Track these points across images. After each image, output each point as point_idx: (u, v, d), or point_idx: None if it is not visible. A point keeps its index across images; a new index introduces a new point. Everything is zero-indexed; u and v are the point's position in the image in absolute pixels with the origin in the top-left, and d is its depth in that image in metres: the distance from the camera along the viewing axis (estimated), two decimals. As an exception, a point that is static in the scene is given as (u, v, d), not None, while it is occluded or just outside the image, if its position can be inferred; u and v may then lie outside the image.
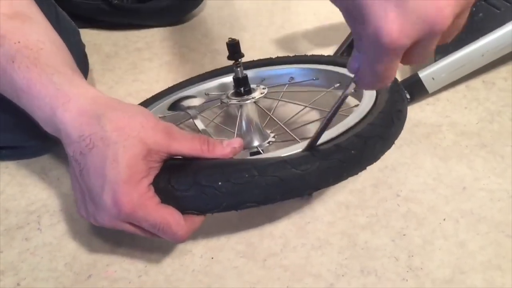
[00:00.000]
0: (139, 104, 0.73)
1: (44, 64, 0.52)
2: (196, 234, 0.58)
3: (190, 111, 0.69)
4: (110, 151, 0.47)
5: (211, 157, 0.51)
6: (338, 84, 0.70)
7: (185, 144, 0.50)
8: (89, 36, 1.00)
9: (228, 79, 0.73)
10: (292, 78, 0.74)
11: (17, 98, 0.53)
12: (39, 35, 0.54)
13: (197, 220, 0.51)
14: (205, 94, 0.74)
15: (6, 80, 0.52)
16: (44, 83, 0.51)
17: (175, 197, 0.49)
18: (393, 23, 0.33)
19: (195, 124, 0.66)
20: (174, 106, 0.72)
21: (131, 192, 0.47)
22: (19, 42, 0.53)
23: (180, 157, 0.51)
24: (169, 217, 0.48)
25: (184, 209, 0.49)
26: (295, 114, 0.71)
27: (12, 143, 0.69)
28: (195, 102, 0.72)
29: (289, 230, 0.57)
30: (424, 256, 0.53)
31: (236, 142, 0.52)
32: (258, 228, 0.58)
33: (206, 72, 0.80)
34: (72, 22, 0.78)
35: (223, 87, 0.74)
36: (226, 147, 0.51)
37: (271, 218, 0.59)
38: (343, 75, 0.68)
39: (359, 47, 0.38)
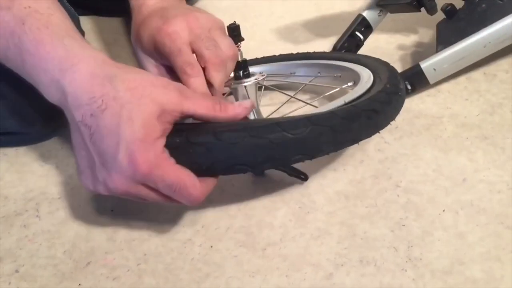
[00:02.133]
0: None
1: (55, 26, 0.51)
2: (195, 223, 0.58)
3: None
4: (124, 110, 0.46)
5: (224, 116, 0.51)
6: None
7: (198, 103, 0.49)
8: (89, 23, 0.99)
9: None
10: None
11: (21, 62, 0.51)
12: (49, 3, 0.53)
13: (211, 182, 0.51)
14: None
15: (12, 43, 0.51)
16: (55, 44, 0.49)
17: (192, 155, 0.49)
18: None
19: None
20: None
21: (148, 151, 0.46)
22: (29, 6, 0.51)
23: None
24: (185, 177, 0.48)
25: (201, 167, 0.49)
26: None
27: (10, 129, 0.69)
28: None
29: (289, 220, 0.57)
30: (423, 247, 0.53)
31: (247, 102, 0.52)
32: (258, 218, 0.58)
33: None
34: (71, 9, 0.77)
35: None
36: (238, 107, 0.51)
37: (271, 208, 0.59)
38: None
39: None
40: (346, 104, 0.55)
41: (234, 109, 0.51)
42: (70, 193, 0.63)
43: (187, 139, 0.49)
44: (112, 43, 0.95)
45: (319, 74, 0.74)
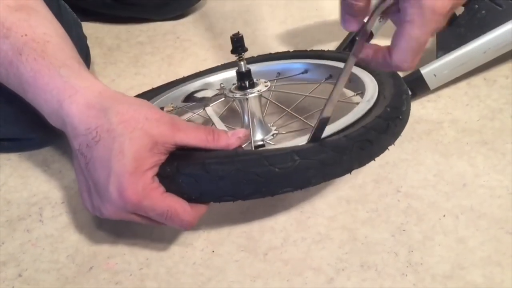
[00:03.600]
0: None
1: (51, 57, 0.52)
2: (197, 228, 0.58)
3: (201, 101, 0.71)
4: (116, 143, 0.47)
5: (216, 148, 0.51)
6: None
7: (190, 134, 0.50)
8: (91, 29, 1.00)
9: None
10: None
11: (23, 91, 0.53)
12: (45, 28, 0.54)
13: (202, 207, 0.51)
14: (220, 84, 0.75)
15: (12, 73, 0.53)
16: (52, 75, 0.51)
17: (181, 185, 0.49)
18: None
19: (207, 114, 0.67)
20: (188, 98, 0.74)
21: (137, 183, 0.47)
22: (26, 35, 0.53)
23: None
24: (175, 204, 0.49)
25: (191, 197, 0.50)
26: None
27: (14, 135, 0.69)
28: (208, 93, 0.73)
29: (290, 225, 0.58)
30: (424, 251, 0.53)
31: (241, 132, 0.53)
32: (259, 222, 0.58)
33: (226, 63, 0.81)
34: (73, 14, 0.78)
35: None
36: (231, 137, 0.52)
37: (272, 212, 0.59)
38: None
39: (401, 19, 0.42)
40: (339, 132, 0.54)
41: (227, 140, 0.52)
42: (73, 197, 0.63)
43: (177, 169, 0.49)
44: (115, 48, 0.96)
45: (330, 77, 0.72)
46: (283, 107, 0.66)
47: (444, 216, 0.57)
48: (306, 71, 0.74)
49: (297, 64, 0.75)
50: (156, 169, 0.49)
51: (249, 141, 0.60)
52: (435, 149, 0.67)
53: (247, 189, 0.49)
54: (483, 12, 0.74)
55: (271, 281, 0.52)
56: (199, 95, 0.73)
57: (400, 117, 0.57)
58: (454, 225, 0.56)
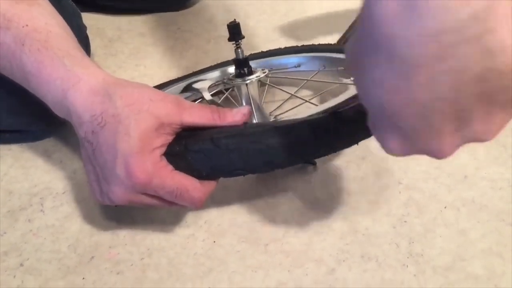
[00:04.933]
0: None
1: (54, 47, 0.52)
2: (197, 219, 0.58)
3: (198, 87, 0.71)
4: (122, 126, 0.47)
5: (223, 125, 0.51)
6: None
7: (196, 113, 0.50)
8: (92, 20, 1.00)
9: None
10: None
11: (27, 82, 0.53)
12: (47, 19, 0.54)
13: (211, 183, 0.52)
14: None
15: (15, 64, 0.52)
16: (55, 65, 0.51)
17: (191, 162, 0.49)
18: None
19: (203, 96, 0.67)
20: (186, 89, 0.75)
21: (145, 161, 0.47)
22: (27, 25, 0.52)
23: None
24: (185, 181, 0.49)
25: (201, 173, 0.50)
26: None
27: (15, 126, 0.69)
28: (205, 83, 0.73)
29: (291, 216, 0.58)
30: (425, 243, 0.53)
31: (245, 109, 0.53)
32: (260, 214, 0.58)
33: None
34: (73, 5, 0.78)
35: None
36: (236, 114, 0.52)
37: (273, 204, 0.59)
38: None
39: None
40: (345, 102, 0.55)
41: (232, 117, 0.52)
42: (75, 188, 0.63)
43: (186, 147, 0.49)
44: (116, 39, 0.96)
45: (324, 68, 0.74)
46: (286, 90, 0.67)
47: (445, 208, 0.57)
48: (299, 65, 0.75)
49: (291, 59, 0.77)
50: (163, 149, 0.49)
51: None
52: (437, 141, 0.67)
53: (258, 161, 0.49)
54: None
55: (272, 272, 0.52)
56: (196, 85, 0.74)
57: None
58: (455, 217, 0.56)
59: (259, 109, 0.65)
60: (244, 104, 0.65)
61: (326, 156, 0.63)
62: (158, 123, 0.48)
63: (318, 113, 0.54)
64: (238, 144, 0.48)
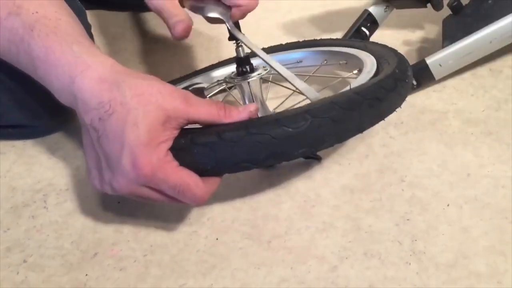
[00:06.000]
0: None
1: (63, 33, 0.52)
2: (200, 216, 0.58)
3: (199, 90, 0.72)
4: (130, 116, 0.47)
5: (229, 122, 0.51)
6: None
7: (203, 110, 0.50)
8: (96, 17, 1.00)
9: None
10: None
11: (33, 68, 0.52)
12: (56, 7, 0.54)
13: (214, 182, 0.52)
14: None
15: (23, 50, 0.52)
16: (64, 51, 0.50)
17: (196, 156, 0.49)
18: None
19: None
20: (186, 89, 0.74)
21: (151, 154, 0.47)
22: (37, 12, 0.52)
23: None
24: (188, 178, 0.49)
25: (206, 167, 0.50)
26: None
27: (18, 122, 0.69)
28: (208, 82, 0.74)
29: (294, 213, 0.58)
30: (428, 240, 0.53)
31: (252, 106, 0.53)
32: (263, 211, 0.58)
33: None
34: (78, 3, 0.78)
35: None
36: (243, 111, 0.52)
37: (276, 201, 0.59)
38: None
39: None
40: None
41: (238, 114, 0.52)
42: (78, 184, 0.63)
43: (192, 140, 0.50)
44: (119, 37, 0.96)
45: (325, 62, 0.73)
46: (288, 87, 0.66)
47: (448, 205, 0.57)
48: (301, 61, 0.76)
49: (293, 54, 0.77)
50: (170, 143, 0.49)
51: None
52: (440, 139, 0.67)
53: (262, 152, 0.49)
54: (490, 1, 0.74)
55: (274, 269, 0.52)
56: (197, 85, 0.74)
57: (406, 80, 0.58)
58: (458, 215, 0.56)
59: (263, 106, 0.65)
60: (247, 102, 0.65)
61: (330, 153, 0.64)
62: (166, 116, 0.48)
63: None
64: (242, 136, 0.49)
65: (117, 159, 0.48)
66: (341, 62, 0.71)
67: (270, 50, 0.80)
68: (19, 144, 0.71)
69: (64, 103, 0.52)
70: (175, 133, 0.50)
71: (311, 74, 0.73)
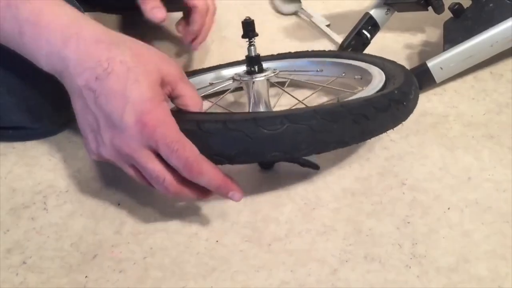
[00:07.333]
0: None
1: None
2: (201, 218, 0.58)
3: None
4: (131, 73, 0.47)
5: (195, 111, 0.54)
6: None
7: (189, 91, 0.53)
8: (96, 19, 1.00)
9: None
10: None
11: (19, 35, 0.50)
12: None
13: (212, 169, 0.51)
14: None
15: (10, 15, 0.50)
16: (56, 13, 0.50)
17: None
18: None
19: None
20: None
21: (156, 109, 0.48)
22: None
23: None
24: (186, 140, 0.49)
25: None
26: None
27: (19, 123, 0.69)
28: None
29: (295, 216, 0.58)
30: (429, 244, 0.53)
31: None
32: (264, 213, 0.58)
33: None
34: (76, 3, 0.77)
35: None
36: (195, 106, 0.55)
37: (277, 203, 0.59)
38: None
39: None
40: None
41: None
42: (78, 186, 0.63)
43: (198, 125, 0.50)
44: (120, 39, 0.96)
45: (343, 75, 0.73)
46: (295, 97, 0.66)
47: (449, 209, 0.57)
48: (321, 70, 0.75)
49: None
50: (167, 104, 0.51)
51: None
52: (441, 142, 0.66)
53: (235, 148, 0.49)
54: (491, 5, 0.74)
55: (275, 271, 0.52)
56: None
57: (405, 103, 0.57)
58: (459, 219, 0.56)
59: (267, 108, 0.65)
60: (252, 101, 0.65)
61: (330, 156, 0.64)
62: (161, 78, 0.49)
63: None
64: (218, 129, 0.49)
65: (119, 116, 0.47)
66: (356, 76, 0.71)
67: (295, 55, 0.80)
68: (19, 145, 0.70)
69: (49, 70, 0.51)
70: (165, 99, 0.51)
71: (324, 85, 0.72)
